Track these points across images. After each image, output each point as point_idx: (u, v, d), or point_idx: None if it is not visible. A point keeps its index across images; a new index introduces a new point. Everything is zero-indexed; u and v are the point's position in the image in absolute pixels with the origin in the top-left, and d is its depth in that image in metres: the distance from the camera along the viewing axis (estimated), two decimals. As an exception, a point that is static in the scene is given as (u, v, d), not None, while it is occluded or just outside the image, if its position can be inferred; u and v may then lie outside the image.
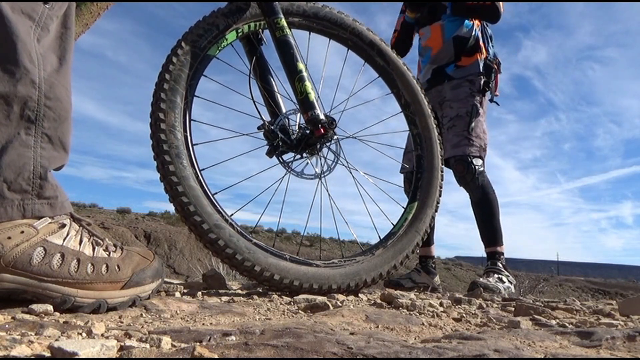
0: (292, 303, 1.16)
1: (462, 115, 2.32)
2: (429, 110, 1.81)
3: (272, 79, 1.56)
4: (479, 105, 2.35)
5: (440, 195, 1.70)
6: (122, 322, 0.79)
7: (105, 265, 0.84)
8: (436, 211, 1.67)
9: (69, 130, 0.85)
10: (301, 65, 1.45)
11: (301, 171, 1.47)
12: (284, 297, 1.25)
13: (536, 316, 1.13)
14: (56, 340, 0.56)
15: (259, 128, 1.46)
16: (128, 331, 0.64)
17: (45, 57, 0.82)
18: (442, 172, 1.74)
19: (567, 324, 1.05)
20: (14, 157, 0.76)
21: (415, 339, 0.81)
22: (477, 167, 2.25)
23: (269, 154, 1.46)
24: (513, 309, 1.32)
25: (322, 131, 1.43)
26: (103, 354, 0.51)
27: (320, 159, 1.51)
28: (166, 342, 0.58)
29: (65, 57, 0.86)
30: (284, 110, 1.52)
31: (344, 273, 1.35)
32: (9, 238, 0.75)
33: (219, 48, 1.41)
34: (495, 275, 2.14)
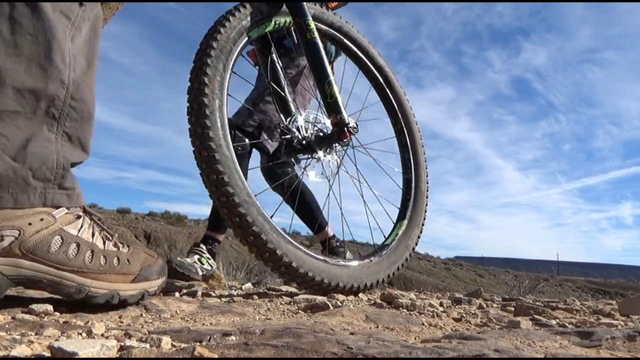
0: (292, 303, 1.16)
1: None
2: (420, 138, 1.88)
3: (282, 80, 1.60)
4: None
5: (425, 218, 1.75)
6: (122, 322, 0.79)
7: (116, 258, 0.86)
8: (421, 232, 1.72)
9: (90, 131, 0.88)
10: (330, 69, 1.48)
11: (317, 172, 1.51)
12: (284, 297, 1.25)
13: (536, 316, 1.13)
14: (56, 340, 0.56)
15: (275, 127, 1.49)
16: (128, 331, 0.64)
17: (76, 58, 0.84)
18: (427, 196, 1.80)
19: (567, 324, 1.05)
20: (39, 148, 0.79)
21: (415, 339, 0.81)
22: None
23: (286, 153, 1.49)
24: (513, 309, 1.32)
25: (347, 134, 1.47)
26: (103, 354, 0.51)
27: (333, 160, 1.55)
28: (166, 342, 0.58)
29: (92, 61, 0.88)
30: (293, 111, 1.56)
31: (349, 274, 1.37)
32: (30, 224, 0.77)
33: (258, 32, 1.45)
34: (196, 256, 1.92)
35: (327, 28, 1.67)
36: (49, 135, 0.80)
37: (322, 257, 1.34)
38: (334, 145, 1.51)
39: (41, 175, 0.79)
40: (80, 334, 0.63)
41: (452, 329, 0.96)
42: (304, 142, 1.48)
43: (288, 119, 1.51)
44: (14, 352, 0.49)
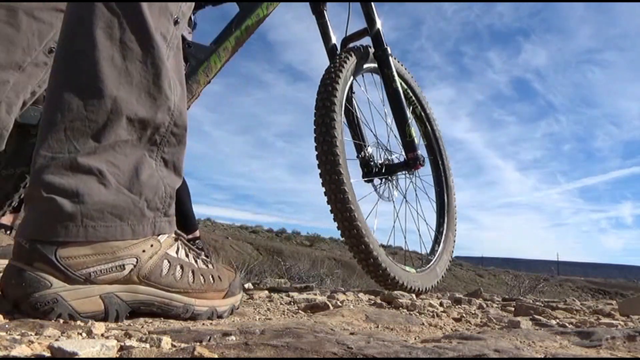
0: (292, 303, 1.16)
1: None
2: (455, 235, 2.03)
3: (358, 111, 1.92)
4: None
5: (432, 288, 1.85)
6: (122, 322, 0.79)
7: (210, 275, 0.87)
8: (425, 291, 1.81)
9: (184, 155, 0.87)
10: (409, 112, 1.84)
11: (385, 194, 1.83)
12: (284, 297, 1.25)
13: (536, 316, 1.13)
14: (56, 340, 0.56)
15: (357, 157, 1.83)
16: (128, 331, 0.64)
17: (174, 81, 0.82)
18: (438, 281, 1.90)
19: (567, 324, 1.05)
20: (149, 177, 0.78)
21: (415, 339, 0.81)
22: None
23: (367, 178, 1.80)
24: (513, 309, 1.32)
25: (419, 166, 1.83)
26: (103, 354, 0.51)
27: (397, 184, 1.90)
28: (166, 342, 0.58)
29: (182, 82, 0.86)
30: (368, 143, 1.88)
31: (387, 262, 1.54)
32: (144, 251, 0.78)
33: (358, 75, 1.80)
34: None
35: (414, 99, 2.04)
36: (150, 161, 0.79)
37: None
38: (400, 172, 1.86)
39: (154, 206, 0.79)
40: (80, 334, 0.63)
41: (452, 329, 0.96)
42: (378, 168, 1.81)
43: (368, 147, 1.83)
44: (14, 352, 0.49)
